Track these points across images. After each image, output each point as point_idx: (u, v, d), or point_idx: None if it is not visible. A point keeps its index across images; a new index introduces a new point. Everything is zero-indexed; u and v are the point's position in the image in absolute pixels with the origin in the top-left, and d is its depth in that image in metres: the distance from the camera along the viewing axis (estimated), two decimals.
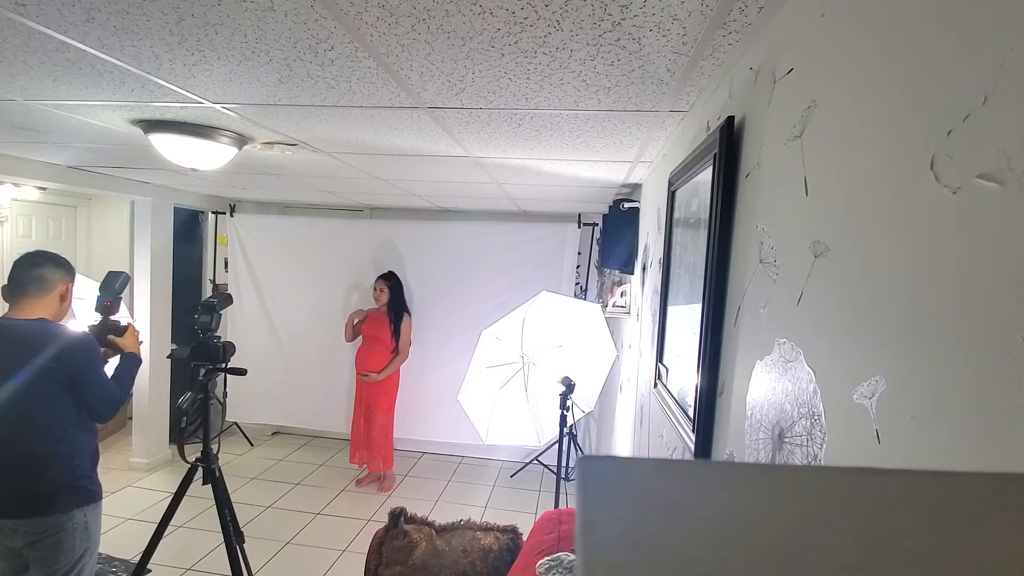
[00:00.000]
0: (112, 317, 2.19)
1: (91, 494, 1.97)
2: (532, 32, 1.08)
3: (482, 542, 2.33)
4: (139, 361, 2.19)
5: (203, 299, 3.78)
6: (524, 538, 2.47)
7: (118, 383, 2.04)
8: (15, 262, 1.97)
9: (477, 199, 3.96)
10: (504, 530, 2.45)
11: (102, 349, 2.10)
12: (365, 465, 4.26)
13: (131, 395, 3.42)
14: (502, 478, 4.48)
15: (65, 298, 2.01)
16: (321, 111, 1.74)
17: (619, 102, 1.50)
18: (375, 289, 4.21)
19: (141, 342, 2.25)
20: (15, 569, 1.91)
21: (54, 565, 1.87)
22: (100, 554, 3.09)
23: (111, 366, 2.14)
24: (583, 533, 0.22)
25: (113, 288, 2.22)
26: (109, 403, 1.97)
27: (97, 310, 2.20)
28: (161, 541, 2.40)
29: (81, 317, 2.36)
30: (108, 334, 2.15)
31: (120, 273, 2.28)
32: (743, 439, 0.99)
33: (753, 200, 1.03)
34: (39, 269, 1.94)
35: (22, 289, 1.91)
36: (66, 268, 2.03)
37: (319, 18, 1.06)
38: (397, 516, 2.41)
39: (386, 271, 4.30)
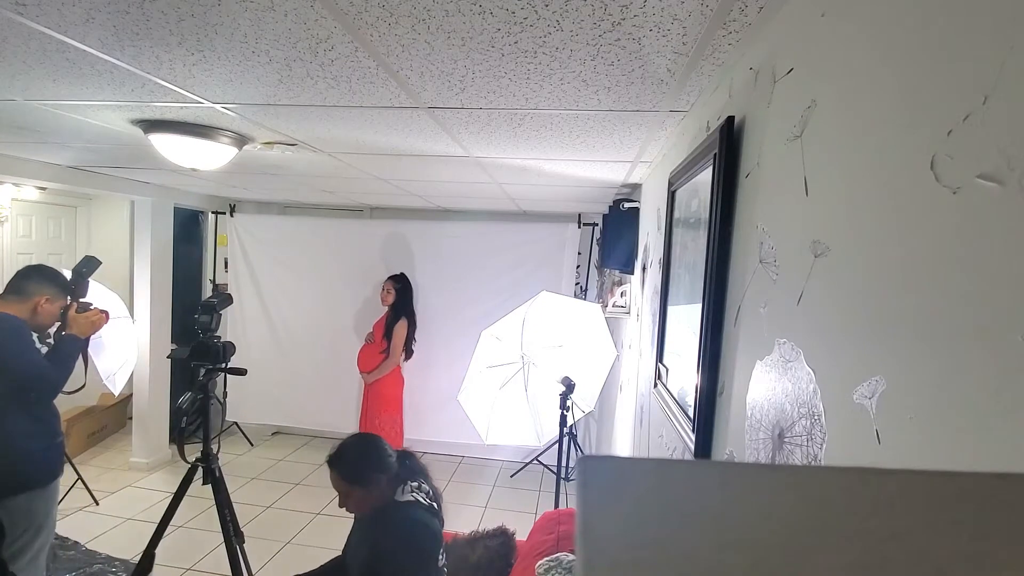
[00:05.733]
0: (82, 300, 2.30)
1: (32, 481, 1.97)
2: (532, 32, 1.08)
3: (470, 561, 2.29)
4: (78, 342, 2.22)
5: (203, 299, 3.78)
6: (516, 536, 2.45)
7: (52, 360, 2.09)
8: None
9: (477, 199, 3.96)
10: (493, 535, 2.41)
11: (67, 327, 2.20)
12: None
13: (124, 390, 3.41)
14: (502, 478, 4.48)
15: (39, 309, 2.12)
16: (321, 111, 1.74)
17: (619, 102, 1.50)
18: (383, 289, 4.20)
19: (96, 327, 2.29)
20: None
21: None
22: (99, 554, 3.10)
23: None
24: (583, 533, 0.22)
25: (80, 272, 2.33)
26: (40, 380, 2.00)
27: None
28: (161, 541, 2.40)
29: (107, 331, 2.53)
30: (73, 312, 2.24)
31: (90, 259, 2.38)
32: (743, 439, 0.99)
33: (753, 200, 1.03)
34: (24, 281, 2.12)
35: (4, 292, 2.13)
36: (54, 284, 2.17)
37: (319, 18, 1.06)
38: None
39: (397, 272, 4.29)
